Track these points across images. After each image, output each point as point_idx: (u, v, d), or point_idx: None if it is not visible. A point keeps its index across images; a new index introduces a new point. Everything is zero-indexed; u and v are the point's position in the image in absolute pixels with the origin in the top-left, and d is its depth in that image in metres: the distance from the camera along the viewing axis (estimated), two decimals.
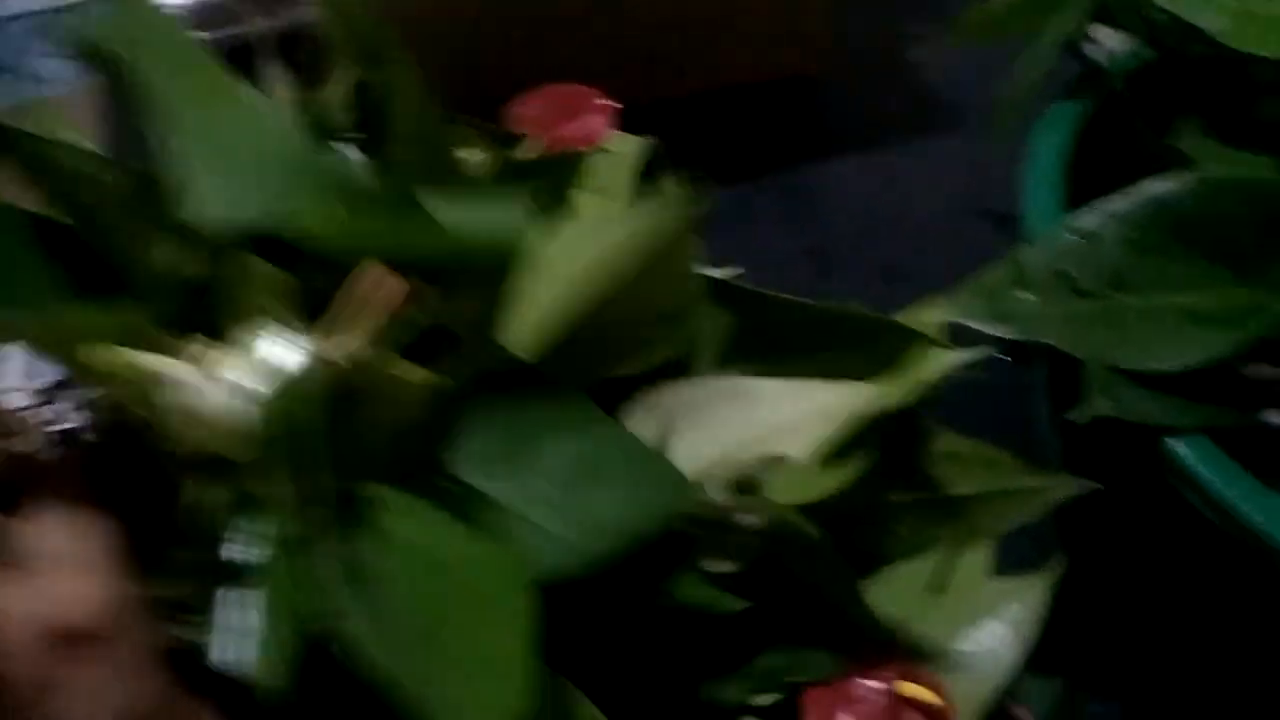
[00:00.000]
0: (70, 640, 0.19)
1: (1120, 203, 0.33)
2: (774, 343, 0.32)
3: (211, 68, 0.25)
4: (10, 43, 1.36)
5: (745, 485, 0.29)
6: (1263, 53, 0.37)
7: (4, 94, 1.33)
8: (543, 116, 0.41)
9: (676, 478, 0.25)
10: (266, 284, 0.22)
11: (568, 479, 0.24)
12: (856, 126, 0.66)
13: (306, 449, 0.21)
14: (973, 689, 0.32)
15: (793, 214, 0.60)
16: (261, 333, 0.22)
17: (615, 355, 0.28)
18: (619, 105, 0.42)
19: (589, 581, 0.23)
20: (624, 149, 0.42)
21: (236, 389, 0.21)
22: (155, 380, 0.21)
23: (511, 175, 0.32)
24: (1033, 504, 0.34)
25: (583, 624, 0.25)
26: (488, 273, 0.24)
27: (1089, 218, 0.33)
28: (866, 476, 0.31)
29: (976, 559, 0.35)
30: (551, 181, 0.32)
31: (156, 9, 0.26)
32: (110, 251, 0.23)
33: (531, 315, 0.25)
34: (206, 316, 0.22)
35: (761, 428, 0.31)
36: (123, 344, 0.21)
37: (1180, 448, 0.29)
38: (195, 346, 0.22)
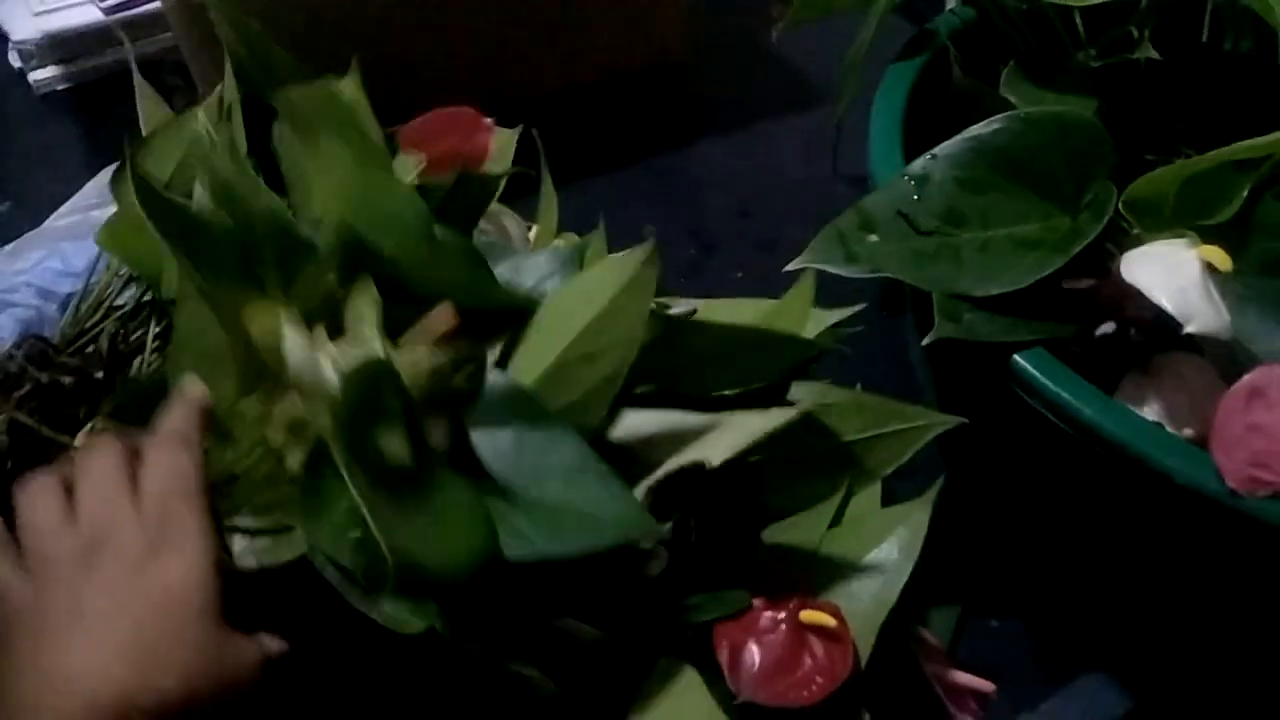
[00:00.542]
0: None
1: (948, 146, 0.36)
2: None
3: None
4: None
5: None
6: (1068, 2, 0.41)
7: None
8: (434, 134, 0.43)
9: (637, 514, 0.29)
10: (371, 300, 0.30)
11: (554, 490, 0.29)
12: (726, 107, 0.69)
13: (370, 413, 0.27)
14: (871, 608, 0.35)
15: (673, 196, 0.63)
16: (360, 331, 0.29)
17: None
18: (492, 118, 0.44)
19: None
20: (504, 143, 0.44)
21: (334, 365, 0.28)
22: (288, 347, 0.29)
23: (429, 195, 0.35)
24: (912, 441, 0.37)
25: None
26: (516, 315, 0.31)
27: (921, 162, 0.36)
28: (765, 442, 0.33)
29: (869, 495, 0.38)
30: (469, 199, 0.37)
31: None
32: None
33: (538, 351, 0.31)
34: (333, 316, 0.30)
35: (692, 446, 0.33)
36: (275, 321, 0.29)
37: (1021, 361, 0.32)
38: (319, 332, 0.30)
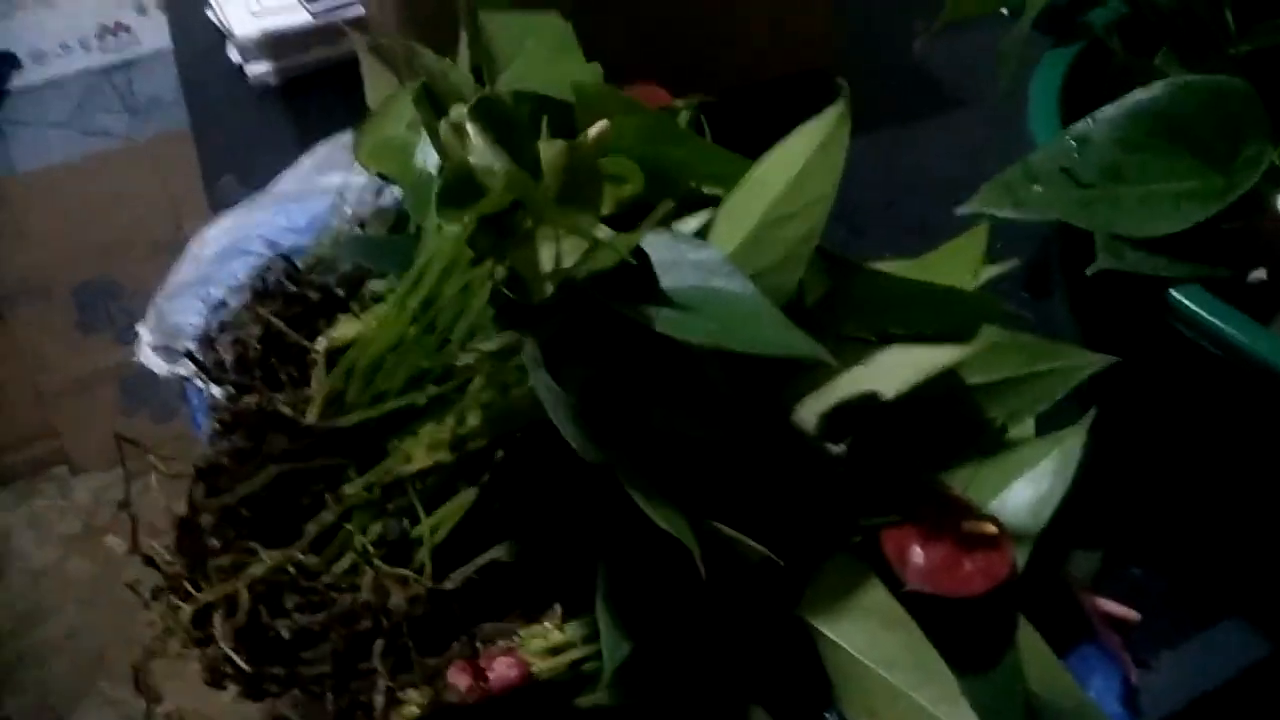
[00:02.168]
0: None
1: (1108, 109, 0.39)
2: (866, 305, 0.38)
3: None
4: (67, 99, 1.47)
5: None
6: None
7: (71, 146, 1.44)
8: None
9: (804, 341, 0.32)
10: None
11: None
12: (868, 112, 0.73)
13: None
14: (1028, 522, 0.38)
15: None
16: None
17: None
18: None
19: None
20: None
21: None
22: None
23: None
24: (1066, 379, 0.40)
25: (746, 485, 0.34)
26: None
27: (1081, 125, 0.39)
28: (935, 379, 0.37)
29: (1024, 428, 0.41)
30: None
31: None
32: None
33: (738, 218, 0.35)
34: None
35: (867, 374, 0.37)
36: None
37: (1178, 294, 0.35)
38: None
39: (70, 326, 1.45)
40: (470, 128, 0.27)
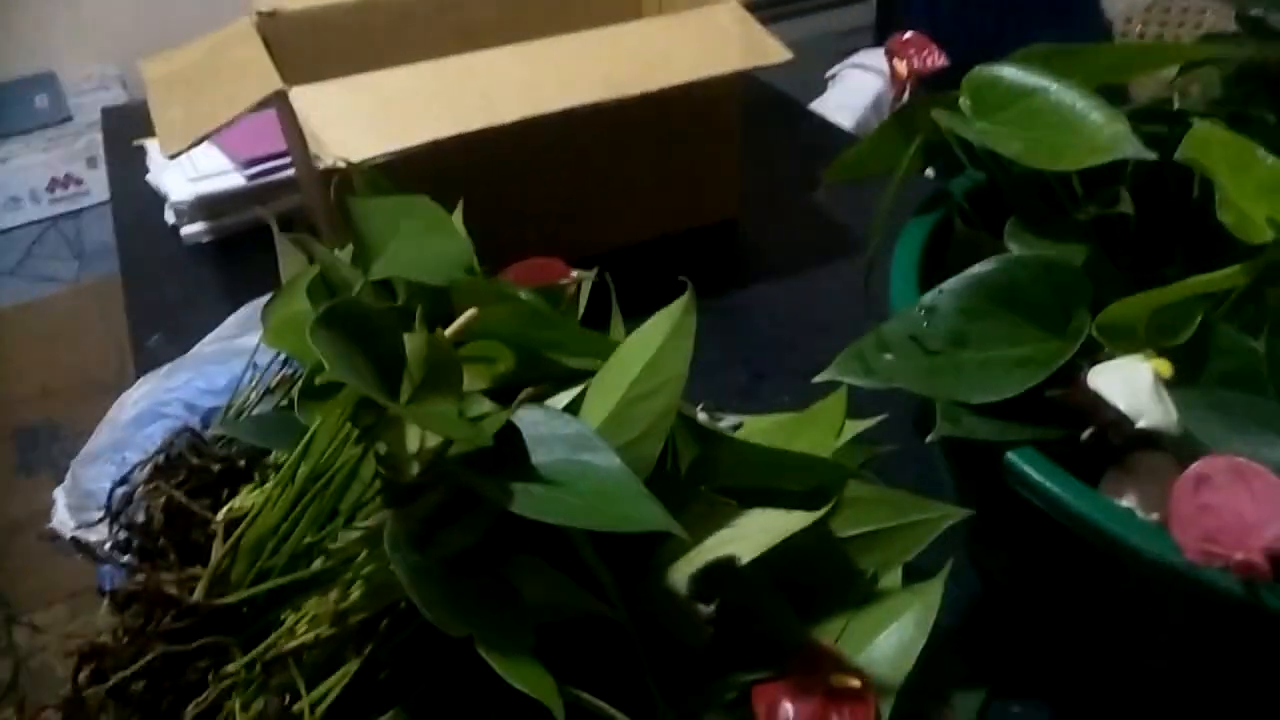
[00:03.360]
0: None
1: (953, 282, 0.43)
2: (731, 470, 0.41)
3: None
4: (15, 248, 1.50)
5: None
6: (1053, 168, 0.48)
7: (20, 292, 1.46)
8: (525, 278, 0.52)
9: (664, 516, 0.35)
10: None
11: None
12: (775, 256, 0.78)
13: None
14: (890, 674, 0.40)
15: (729, 331, 0.71)
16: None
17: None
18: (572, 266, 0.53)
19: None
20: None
21: None
22: None
23: None
24: (929, 530, 0.43)
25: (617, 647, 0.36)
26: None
27: (930, 296, 0.43)
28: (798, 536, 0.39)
29: (892, 576, 0.43)
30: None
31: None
32: None
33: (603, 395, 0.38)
34: None
35: (730, 537, 0.40)
36: None
37: (1013, 457, 0.38)
38: None
39: (10, 470, 1.44)
40: (323, 338, 0.29)
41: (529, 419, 0.37)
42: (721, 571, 0.39)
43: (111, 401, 0.60)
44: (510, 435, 0.36)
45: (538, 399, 0.39)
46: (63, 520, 0.57)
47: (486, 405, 0.39)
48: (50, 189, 1.44)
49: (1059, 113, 0.48)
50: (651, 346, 0.37)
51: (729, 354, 0.68)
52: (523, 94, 0.61)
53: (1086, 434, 0.40)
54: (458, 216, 0.47)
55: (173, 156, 0.61)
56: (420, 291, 0.39)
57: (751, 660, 0.40)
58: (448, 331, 0.35)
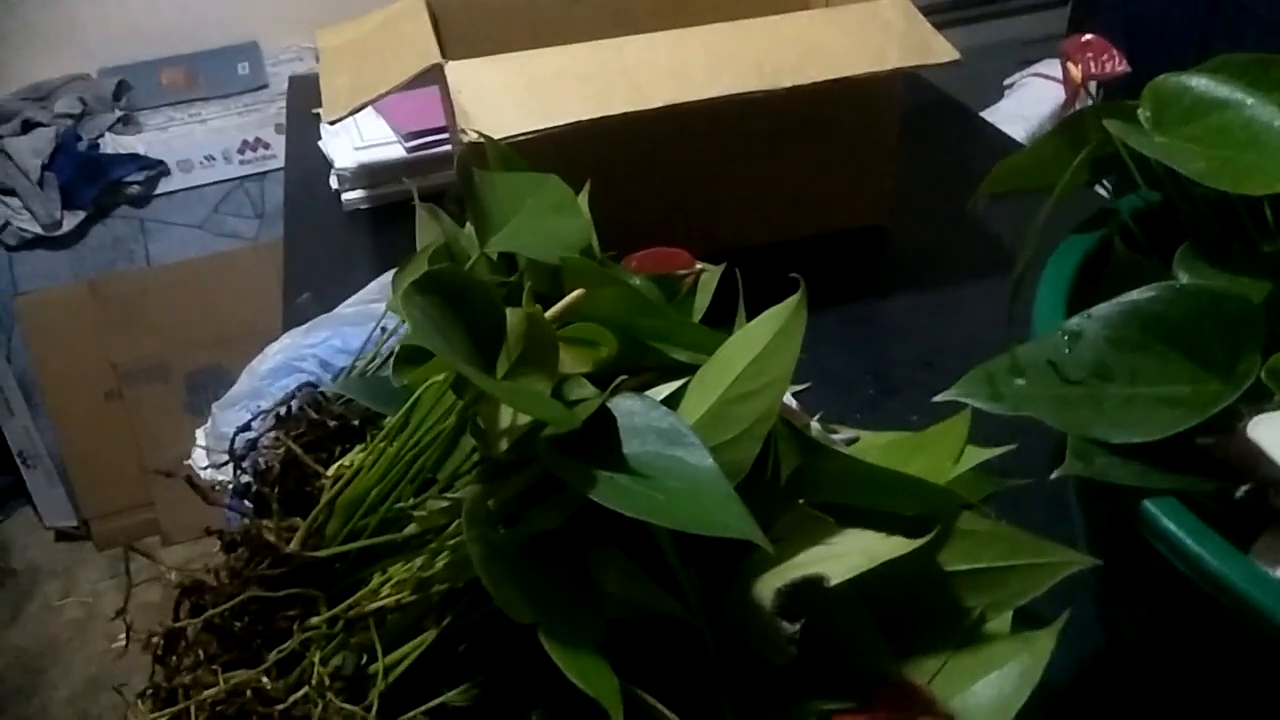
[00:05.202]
0: None
1: (1104, 308, 0.39)
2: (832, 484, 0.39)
3: None
4: (204, 204, 1.62)
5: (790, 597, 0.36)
6: (1240, 191, 0.43)
7: (204, 245, 1.58)
8: (648, 266, 0.51)
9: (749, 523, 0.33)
10: None
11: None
12: (921, 269, 0.74)
13: None
14: None
15: (861, 341, 0.68)
16: None
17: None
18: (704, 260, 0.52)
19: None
20: (707, 278, 0.52)
21: None
22: None
23: None
24: (1047, 576, 0.39)
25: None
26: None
27: (1076, 320, 0.39)
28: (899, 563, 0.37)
29: (1001, 621, 0.40)
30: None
31: None
32: None
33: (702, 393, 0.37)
34: None
35: (822, 555, 0.38)
36: None
37: (1151, 506, 0.34)
38: None
39: (180, 408, 1.56)
40: (415, 302, 0.29)
41: (625, 407, 0.36)
42: (811, 590, 0.36)
43: None
44: (603, 421, 0.36)
45: (638, 389, 0.38)
46: (199, 459, 0.60)
47: (588, 390, 0.38)
48: (241, 150, 1.55)
49: (1252, 130, 0.43)
50: (756, 346, 0.35)
51: (858, 365, 0.65)
52: (671, 80, 0.60)
53: (1241, 491, 0.35)
54: (583, 198, 0.46)
55: (333, 123, 0.63)
56: (535, 269, 0.39)
57: (834, 688, 0.38)
58: (551, 311, 0.35)
